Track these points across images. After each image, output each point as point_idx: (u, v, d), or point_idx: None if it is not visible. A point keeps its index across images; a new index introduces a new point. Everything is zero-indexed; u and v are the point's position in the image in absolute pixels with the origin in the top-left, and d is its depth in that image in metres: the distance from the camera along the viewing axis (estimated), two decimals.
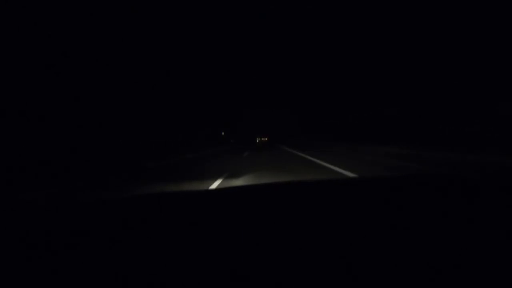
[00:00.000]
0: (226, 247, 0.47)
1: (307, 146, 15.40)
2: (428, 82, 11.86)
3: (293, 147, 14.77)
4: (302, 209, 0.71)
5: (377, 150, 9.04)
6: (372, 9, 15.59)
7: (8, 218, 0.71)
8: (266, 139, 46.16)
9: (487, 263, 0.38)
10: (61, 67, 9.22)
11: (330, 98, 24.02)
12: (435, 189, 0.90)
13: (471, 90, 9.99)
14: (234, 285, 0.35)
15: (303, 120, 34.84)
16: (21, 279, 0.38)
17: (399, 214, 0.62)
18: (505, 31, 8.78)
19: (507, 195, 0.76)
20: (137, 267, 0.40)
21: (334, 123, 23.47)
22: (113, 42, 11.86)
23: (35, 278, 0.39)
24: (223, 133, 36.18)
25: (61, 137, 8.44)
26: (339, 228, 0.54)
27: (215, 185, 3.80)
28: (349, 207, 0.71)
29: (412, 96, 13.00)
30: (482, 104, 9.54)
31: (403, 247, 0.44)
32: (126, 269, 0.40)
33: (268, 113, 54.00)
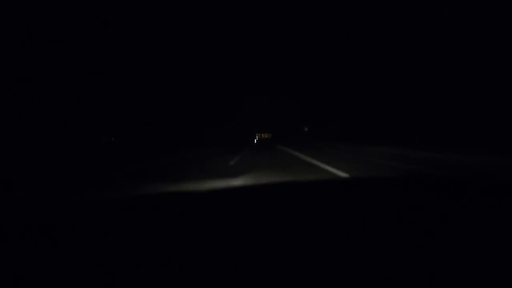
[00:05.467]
0: (224, 248, 0.48)
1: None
2: (426, 82, 11.83)
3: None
4: (294, 209, 0.73)
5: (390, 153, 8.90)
6: (374, 4, 15.50)
7: (7, 217, 0.71)
8: (267, 136, 44.06)
9: (482, 263, 0.39)
10: (60, 67, 9.21)
11: (331, 95, 23.81)
12: (428, 190, 0.90)
13: (468, 89, 9.96)
14: (233, 285, 0.36)
15: (306, 115, 33.79)
16: (22, 279, 0.39)
17: (391, 214, 0.63)
18: (503, 30, 8.75)
19: (500, 196, 0.77)
20: (136, 267, 0.41)
21: (340, 120, 23.09)
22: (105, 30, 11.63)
23: (35, 278, 0.39)
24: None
25: (59, 137, 8.45)
26: (331, 227, 0.55)
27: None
28: (340, 207, 0.72)
29: (410, 96, 12.96)
30: (479, 104, 9.52)
31: (395, 247, 0.45)
32: (124, 268, 0.41)
33: (268, 104, 50.19)
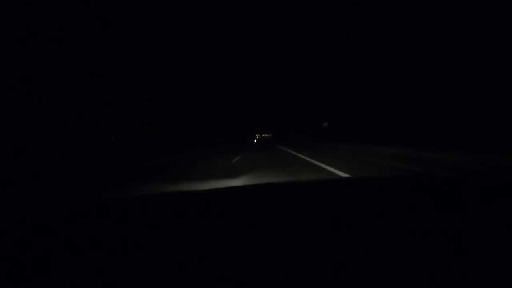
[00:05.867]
0: (224, 248, 0.48)
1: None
2: (426, 82, 11.84)
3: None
4: (295, 209, 0.73)
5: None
6: (374, 4, 15.50)
7: (7, 218, 0.71)
8: (267, 135, 43.93)
9: (482, 263, 0.39)
10: (61, 67, 9.21)
11: (331, 95, 23.77)
12: (428, 190, 0.90)
13: (468, 89, 9.97)
14: (233, 285, 0.36)
15: (306, 115, 33.68)
16: (21, 279, 0.39)
17: (391, 214, 0.63)
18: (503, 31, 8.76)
19: (500, 196, 0.77)
20: (135, 267, 0.41)
21: (338, 120, 23.06)
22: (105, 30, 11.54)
23: (34, 278, 0.39)
24: None
25: (59, 137, 8.46)
26: (331, 227, 0.55)
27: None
28: (340, 207, 0.73)
29: (410, 96, 12.96)
30: (479, 104, 9.52)
31: (395, 247, 0.45)
32: (124, 269, 0.41)
33: (268, 104, 49.86)
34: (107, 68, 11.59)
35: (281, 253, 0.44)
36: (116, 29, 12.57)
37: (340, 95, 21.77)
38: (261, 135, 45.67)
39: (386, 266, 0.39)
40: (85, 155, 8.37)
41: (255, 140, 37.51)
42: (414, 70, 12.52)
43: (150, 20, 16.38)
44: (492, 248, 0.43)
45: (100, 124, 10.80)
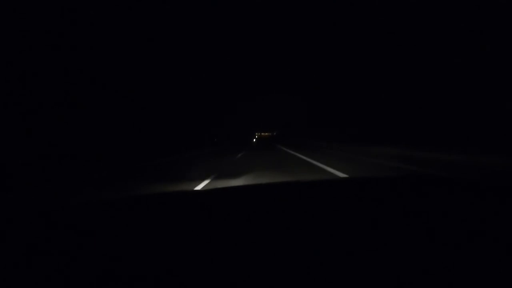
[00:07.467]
0: (224, 247, 0.48)
1: None
2: (427, 81, 11.85)
3: None
4: (294, 209, 0.73)
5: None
6: (373, 6, 15.51)
7: (8, 219, 0.71)
8: (267, 135, 43.62)
9: (481, 264, 0.39)
10: (61, 66, 9.22)
11: (334, 95, 23.68)
12: (427, 190, 0.90)
13: (468, 89, 9.99)
14: (233, 285, 0.36)
15: (312, 113, 33.07)
16: (23, 280, 0.39)
17: (390, 214, 0.63)
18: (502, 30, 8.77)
19: (500, 196, 0.77)
20: (135, 267, 0.41)
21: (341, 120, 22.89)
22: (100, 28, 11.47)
23: (34, 278, 0.39)
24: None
25: (58, 137, 8.46)
26: (331, 228, 0.55)
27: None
28: (339, 207, 0.72)
29: (410, 96, 12.97)
30: (479, 104, 9.53)
31: (394, 247, 0.45)
32: (123, 269, 0.41)
33: (269, 104, 49.01)
34: (103, 68, 11.60)
35: (281, 253, 0.44)
36: (116, 30, 12.60)
37: (342, 95, 21.77)
38: (260, 134, 45.56)
39: (385, 266, 0.39)
40: (85, 155, 8.38)
41: (255, 140, 37.29)
42: (414, 70, 12.54)
43: (150, 20, 16.40)
44: (491, 248, 0.43)
45: (98, 124, 10.81)
